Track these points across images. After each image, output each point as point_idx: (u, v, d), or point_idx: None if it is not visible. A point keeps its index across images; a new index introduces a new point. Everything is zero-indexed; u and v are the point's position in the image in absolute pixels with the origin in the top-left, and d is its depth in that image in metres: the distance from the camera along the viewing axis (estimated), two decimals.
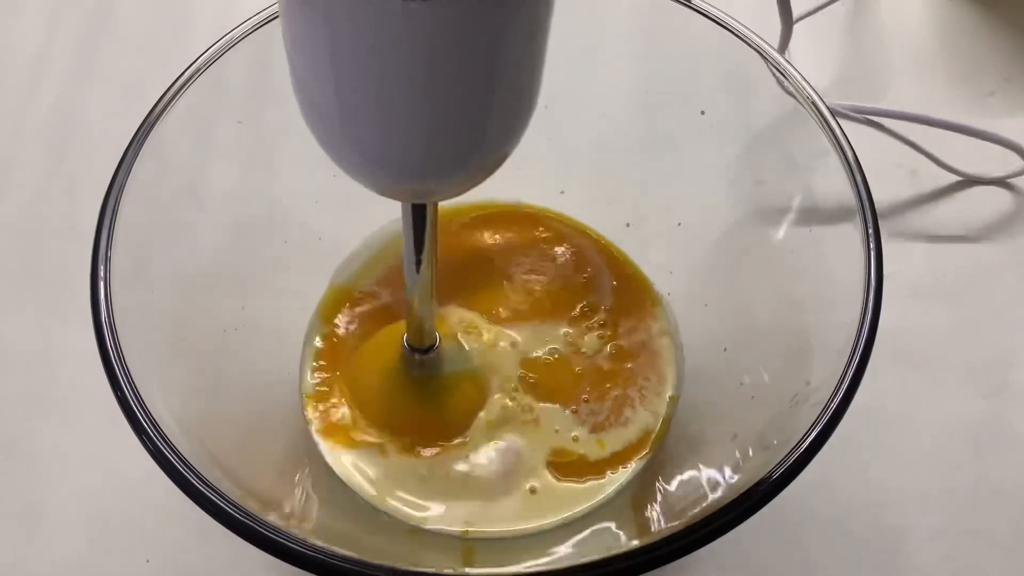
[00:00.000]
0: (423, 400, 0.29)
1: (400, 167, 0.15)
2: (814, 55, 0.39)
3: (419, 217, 0.19)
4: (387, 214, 0.33)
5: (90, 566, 0.28)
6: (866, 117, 0.34)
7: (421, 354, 0.27)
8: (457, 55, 0.13)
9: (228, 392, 0.25)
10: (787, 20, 0.32)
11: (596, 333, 0.31)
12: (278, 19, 0.25)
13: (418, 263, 0.21)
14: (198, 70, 0.24)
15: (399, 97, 0.14)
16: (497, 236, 0.33)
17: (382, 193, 0.17)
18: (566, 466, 0.28)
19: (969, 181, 0.36)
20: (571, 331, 0.31)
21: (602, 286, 0.32)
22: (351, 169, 0.16)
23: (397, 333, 0.28)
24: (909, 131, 0.34)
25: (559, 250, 0.33)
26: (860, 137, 0.33)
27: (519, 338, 0.31)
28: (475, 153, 0.16)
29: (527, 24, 0.14)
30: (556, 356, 0.30)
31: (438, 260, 0.22)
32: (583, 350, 0.30)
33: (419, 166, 0.15)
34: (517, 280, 0.32)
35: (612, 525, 0.26)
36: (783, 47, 0.34)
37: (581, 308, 0.31)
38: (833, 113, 0.23)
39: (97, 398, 0.21)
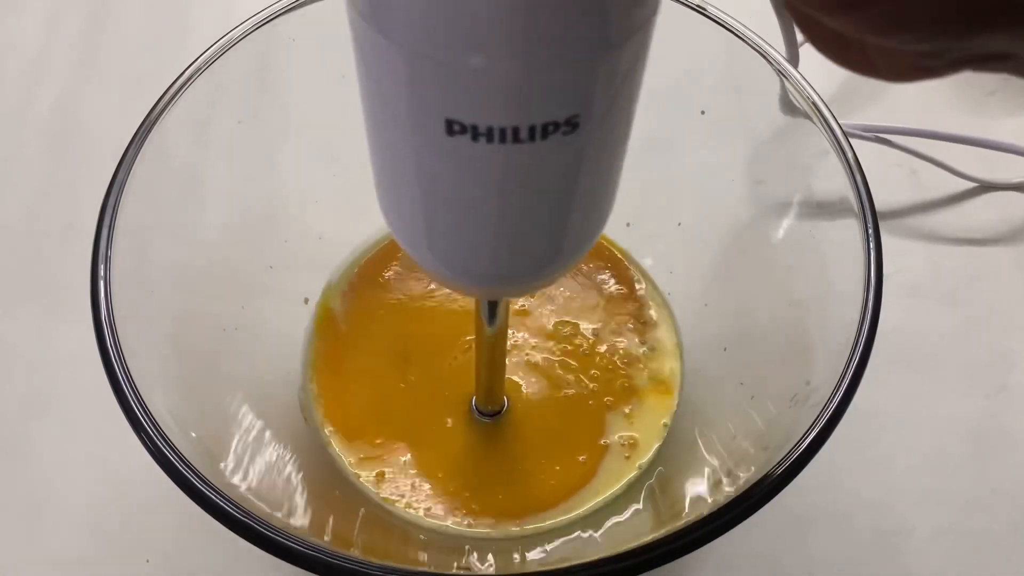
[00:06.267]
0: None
1: (480, 278, 0.17)
2: (815, 66, 0.38)
3: (493, 307, 0.21)
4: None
5: (90, 566, 0.28)
6: (874, 135, 0.34)
7: (488, 417, 0.29)
8: (529, 188, 0.14)
9: (228, 392, 0.25)
10: (792, 43, 0.31)
11: (595, 333, 0.31)
12: (278, 19, 0.25)
13: (490, 342, 0.23)
14: (198, 70, 0.24)
15: (479, 221, 0.15)
16: None
17: (462, 293, 0.19)
18: None
19: (983, 187, 0.36)
20: (572, 331, 0.31)
21: (602, 286, 0.32)
22: (437, 277, 0.17)
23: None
24: (915, 143, 0.34)
25: None
26: (864, 150, 0.33)
27: (520, 336, 0.31)
28: (549, 265, 0.17)
29: (596, 157, 0.14)
30: (556, 356, 0.30)
31: None
32: (582, 351, 0.30)
33: (495, 277, 0.17)
34: None
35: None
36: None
37: (580, 309, 0.31)
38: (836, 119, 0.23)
39: (97, 398, 0.21)
